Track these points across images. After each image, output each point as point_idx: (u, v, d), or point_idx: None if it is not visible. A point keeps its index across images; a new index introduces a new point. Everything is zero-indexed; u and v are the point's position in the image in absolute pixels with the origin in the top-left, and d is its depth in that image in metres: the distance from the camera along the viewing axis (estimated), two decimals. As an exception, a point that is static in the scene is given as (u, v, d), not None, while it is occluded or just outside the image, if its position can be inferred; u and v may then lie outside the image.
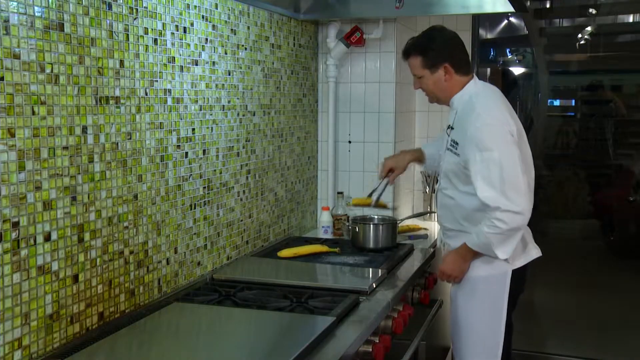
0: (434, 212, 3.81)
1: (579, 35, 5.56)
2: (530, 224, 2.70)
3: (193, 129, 2.43)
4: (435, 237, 3.46)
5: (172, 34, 2.29)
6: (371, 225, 3.02)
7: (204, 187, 2.52)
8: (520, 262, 2.59)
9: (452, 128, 2.62)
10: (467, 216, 2.58)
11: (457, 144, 2.54)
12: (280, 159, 3.20)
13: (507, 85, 5.31)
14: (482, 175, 2.41)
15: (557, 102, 5.90)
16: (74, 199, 1.85)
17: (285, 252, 2.83)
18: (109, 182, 1.99)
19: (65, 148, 1.82)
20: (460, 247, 2.58)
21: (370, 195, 3.01)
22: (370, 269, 2.66)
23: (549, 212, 5.61)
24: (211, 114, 2.55)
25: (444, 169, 2.65)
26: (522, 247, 2.60)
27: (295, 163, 3.39)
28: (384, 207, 3.26)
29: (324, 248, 2.91)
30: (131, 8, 2.06)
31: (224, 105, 2.65)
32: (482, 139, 2.42)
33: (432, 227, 3.71)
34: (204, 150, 2.51)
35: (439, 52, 2.57)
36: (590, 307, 4.80)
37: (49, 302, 1.78)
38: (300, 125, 3.43)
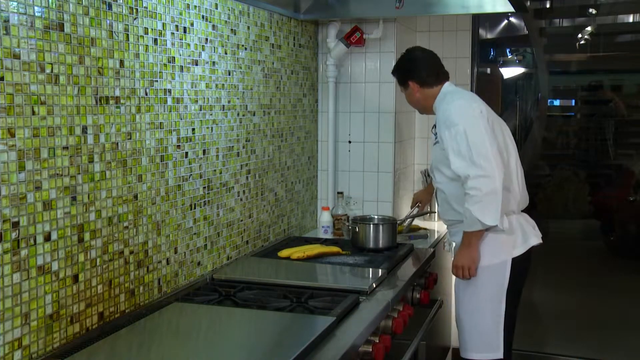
0: (434, 212, 3.81)
1: (579, 35, 5.56)
2: (528, 212, 2.75)
3: (193, 129, 2.43)
4: (436, 236, 3.46)
5: (172, 34, 2.29)
6: (371, 225, 3.02)
7: (204, 187, 2.52)
8: (519, 251, 2.69)
9: (434, 127, 2.84)
10: (459, 200, 2.69)
11: (436, 134, 2.78)
12: (280, 159, 3.19)
13: (502, 87, 5.32)
14: (452, 149, 2.60)
15: (557, 102, 5.90)
16: (74, 199, 1.85)
17: (296, 254, 2.79)
18: (109, 182, 1.99)
19: (65, 148, 1.82)
20: (462, 237, 2.69)
21: (401, 222, 3.32)
22: (370, 269, 2.66)
23: (549, 212, 5.61)
24: (211, 114, 2.55)
25: (434, 162, 2.83)
26: (522, 236, 2.71)
27: (295, 163, 3.39)
28: (417, 229, 3.59)
29: (333, 249, 2.90)
30: (131, 8, 2.06)
31: (224, 105, 2.65)
32: (449, 117, 2.65)
33: (432, 227, 3.71)
34: (204, 150, 2.51)
35: (402, 72, 2.94)
36: (590, 307, 4.80)
37: (49, 302, 1.78)
38: (300, 125, 3.43)
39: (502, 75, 5.55)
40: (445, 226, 3.00)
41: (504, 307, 2.68)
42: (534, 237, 2.75)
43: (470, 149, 2.55)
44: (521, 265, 2.72)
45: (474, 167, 2.54)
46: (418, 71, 2.88)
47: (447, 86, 2.87)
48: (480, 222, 2.55)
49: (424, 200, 3.36)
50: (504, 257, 2.67)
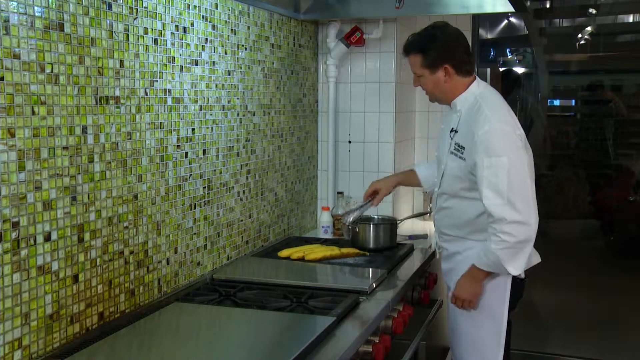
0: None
1: (579, 35, 5.57)
2: None
3: (193, 129, 2.43)
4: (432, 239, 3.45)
5: (172, 34, 2.29)
6: (371, 225, 3.02)
7: (204, 187, 2.52)
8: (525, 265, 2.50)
9: (455, 131, 2.51)
10: (468, 222, 2.52)
11: (462, 147, 2.45)
12: (280, 159, 3.20)
13: (509, 84, 5.31)
14: (489, 182, 2.31)
15: (557, 102, 5.91)
16: (74, 199, 1.85)
17: (312, 255, 2.76)
18: (109, 182, 1.99)
19: (65, 148, 1.82)
20: (470, 269, 2.47)
21: (344, 215, 2.84)
22: (370, 269, 2.66)
23: (549, 212, 5.61)
24: (211, 114, 2.55)
25: (447, 174, 2.55)
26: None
27: (295, 163, 3.39)
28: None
29: (351, 250, 2.87)
30: (131, 8, 2.06)
31: (224, 105, 2.65)
32: (492, 144, 2.33)
33: (432, 227, 3.70)
34: (204, 150, 2.51)
35: (439, 52, 2.46)
36: (590, 307, 4.80)
37: (49, 302, 1.78)
38: (300, 125, 3.43)
39: (517, 75, 5.56)
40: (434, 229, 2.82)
41: (505, 326, 2.54)
42: (535, 256, 2.56)
43: (510, 188, 2.29)
44: (518, 282, 2.56)
45: (511, 211, 2.28)
46: (458, 52, 2.49)
47: (475, 85, 2.51)
48: (503, 268, 2.35)
49: (383, 190, 2.89)
50: (504, 276, 2.49)
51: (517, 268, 2.37)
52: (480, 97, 2.48)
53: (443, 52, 2.46)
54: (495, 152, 2.32)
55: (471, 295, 2.50)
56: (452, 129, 2.54)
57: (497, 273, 2.46)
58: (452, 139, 2.53)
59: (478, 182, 2.36)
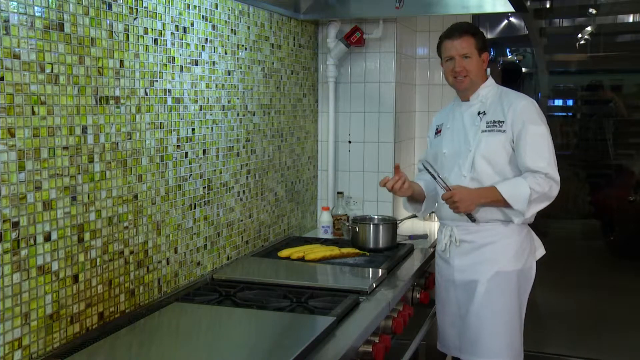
0: (434, 212, 3.80)
1: (579, 35, 5.56)
2: (531, 224, 2.74)
3: (193, 129, 2.43)
4: (435, 237, 3.45)
5: (172, 34, 2.29)
6: (371, 225, 3.02)
7: (204, 187, 2.52)
8: (540, 253, 2.79)
9: (484, 113, 2.70)
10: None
11: (500, 122, 2.64)
12: (280, 159, 3.19)
13: (516, 80, 5.33)
14: (532, 147, 2.57)
15: (557, 102, 5.91)
16: (74, 199, 1.85)
17: (312, 255, 2.77)
18: (109, 182, 1.99)
19: (65, 148, 1.82)
20: (486, 188, 2.59)
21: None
22: (370, 269, 2.66)
23: (549, 212, 5.61)
24: (211, 114, 2.55)
25: (479, 154, 2.63)
26: (538, 240, 2.81)
27: (295, 163, 3.39)
28: None
29: (351, 250, 2.87)
30: (131, 8, 2.06)
31: (224, 105, 2.65)
32: (532, 115, 2.62)
33: (433, 227, 3.70)
34: (204, 150, 2.51)
35: (484, 41, 2.78)
36: (590, 307, 4.80)
37: (49, 302, 1.78)
38: (300, 125, 3.43)
39: (517, 67, 5.58)
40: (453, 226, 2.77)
41: (525, 311, 2.78)
42: (541, 248, 2.83)
43: (549, 153, 2.60)
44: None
45: (552, 171, 2.58)
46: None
47: (493, 81, 2.81)
48: (522, 205, 2.52)
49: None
50: (532, 261, 2.74)
51: (530, 213, 2.58)
52: (500, 87, 2.78)
53: (485, 42, 2.78)
54: (536, 122, 2.62)
55: (466, 205, 2.59)
56: (480, 112, 2.72)
57: (519, 252, 2.67)
58: (481, 120, 2.70)
59: (521, 147, 2.58)
